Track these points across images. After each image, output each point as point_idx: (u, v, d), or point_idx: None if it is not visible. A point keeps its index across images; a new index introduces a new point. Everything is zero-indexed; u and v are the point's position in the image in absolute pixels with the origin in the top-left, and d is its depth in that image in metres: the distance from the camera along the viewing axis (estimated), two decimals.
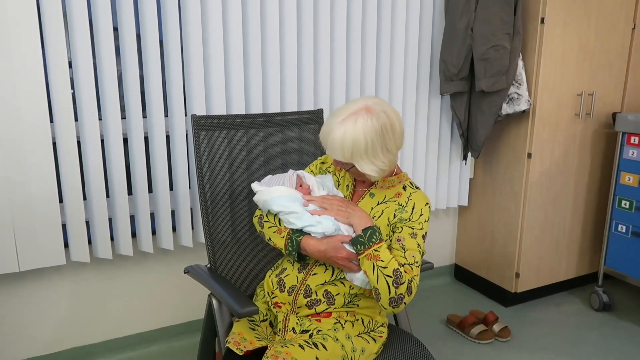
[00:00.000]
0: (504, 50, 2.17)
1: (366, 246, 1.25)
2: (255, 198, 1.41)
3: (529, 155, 2.35)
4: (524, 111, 2.31)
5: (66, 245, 1.87)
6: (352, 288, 1.34)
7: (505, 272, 2.54)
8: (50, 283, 1.93)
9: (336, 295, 1.34)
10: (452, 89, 2.27)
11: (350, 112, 1.25)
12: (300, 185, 1.40)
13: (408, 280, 1.24)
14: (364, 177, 1.37)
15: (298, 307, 1.36)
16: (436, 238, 2.77)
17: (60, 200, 1.83)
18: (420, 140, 2.45)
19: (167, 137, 1.98)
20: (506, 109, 2.28)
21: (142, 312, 2.11)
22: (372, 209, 1.36)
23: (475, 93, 2.31)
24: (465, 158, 2.52)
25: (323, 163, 1.52)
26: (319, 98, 2.15)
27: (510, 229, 2.49)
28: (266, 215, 1.41)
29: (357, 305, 1.37)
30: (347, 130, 1.23)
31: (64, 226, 1.86)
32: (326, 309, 1.34)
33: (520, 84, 2.25)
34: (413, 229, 1.30)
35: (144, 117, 1.89)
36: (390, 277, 1.22)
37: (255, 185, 1.42)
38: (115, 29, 1.76)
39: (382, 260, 1.23)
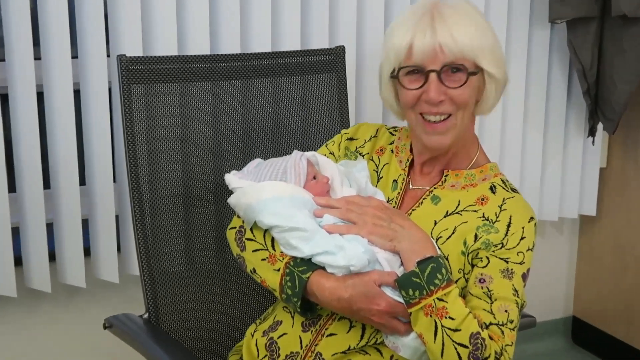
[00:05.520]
0: None
1: (424, 292, 1.24)
2: (232, 200, 1.41)
3: None
4: None
5: None
6: None
7: None
8: None
9: None
10: (571, 13, 2.28)
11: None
12: (314, 178, 1.41)
13: (496, 352, 1.25)
14: (441, 142, 1.36)
15: None
16: (541, 272, 2.75)
17: None
18: (512, 99, 2.44)
19: (77, 92, 1.98)
20: None
21: None
22: (435, 223, 1.37)
23: (611, 20, 2.30)
24: (592, 133, 2.52)
25: (351, 140, 1.53)
26: (336, 30, 2.15)
27: None
28: (250, 231, 1.41)
29: None
30: (459, 6, 1.31)
31: None
32: None
33: None
34: (508, 262, 1.31)
35: (37, 58, 1.90)
36: (466, 347, 1.23)
37: (231, 178, 1.43)
38: None
39: (451, 318, 1.23)
